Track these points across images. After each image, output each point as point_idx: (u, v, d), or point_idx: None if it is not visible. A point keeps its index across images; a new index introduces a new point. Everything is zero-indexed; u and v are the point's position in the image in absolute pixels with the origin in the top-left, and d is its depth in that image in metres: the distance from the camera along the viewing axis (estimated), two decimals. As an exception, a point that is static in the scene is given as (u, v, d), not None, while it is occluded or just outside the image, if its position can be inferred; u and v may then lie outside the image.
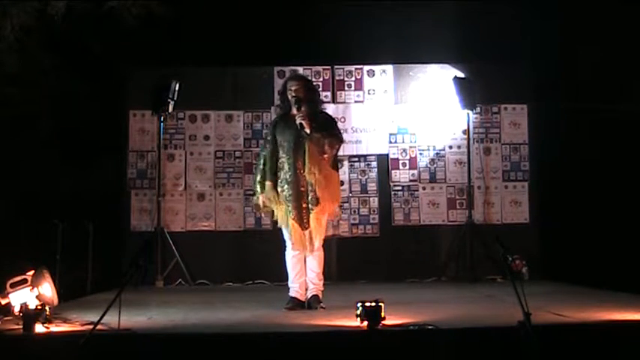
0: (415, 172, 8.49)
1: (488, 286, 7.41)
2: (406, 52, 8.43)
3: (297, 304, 5.61)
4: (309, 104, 5.68)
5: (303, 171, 5.58)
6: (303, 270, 5.68)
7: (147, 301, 6.25)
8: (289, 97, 5.70)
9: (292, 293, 5.68)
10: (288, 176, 5.61)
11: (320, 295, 5.66)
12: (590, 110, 7.56)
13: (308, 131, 5.55)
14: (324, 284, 5.74)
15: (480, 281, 7.79)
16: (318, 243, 5.64)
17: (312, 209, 5.59)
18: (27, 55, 7.34)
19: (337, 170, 5.85)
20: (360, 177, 8.48)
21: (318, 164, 5.58)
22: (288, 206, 5.62)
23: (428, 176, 8.50)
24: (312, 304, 5.61)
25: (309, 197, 5.59)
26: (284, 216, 5.65)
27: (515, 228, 8.31)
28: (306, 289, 5.68)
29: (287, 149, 5.62)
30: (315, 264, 5.66)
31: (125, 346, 4.23)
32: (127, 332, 4.35)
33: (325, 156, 5.62)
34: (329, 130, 5.66)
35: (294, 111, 5.64)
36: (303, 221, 5.59)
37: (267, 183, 5.70)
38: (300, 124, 5.56)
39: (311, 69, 8.51)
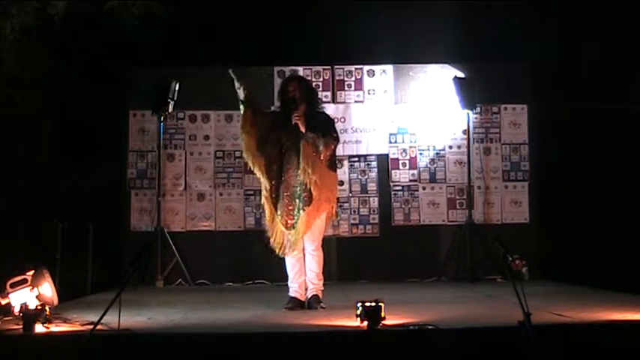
0: (415, 172, 8.49)
1: (488, 286, 7.40)
2: (406, 52, 8.43)
3: (297, 304, 5.62)
4: (307, 104, 5.68)
5: (296, 170, 5.57)
6: (303, 270, 5.68)
7: (147, 301, 6.25)
8: (286, 97, 5.69)
9: (292, 293, 5.68)
10: (283, 176, 5.60)
11: (320, 295, 5.67)
12: (591, 110, 7.56)
13: (303, 130, 5.55)
14: (324, 284, 5.75)
15: (480, 281, 7.79)
16: (315, 244, 5.64)
17: (303, 209, 5.55)
18: (27, 55, 7.33)
19: (335, 170, 5.81)
20: (360, 177, 8.48)
21: (312, 164, 5.54)
22: (277, 205, 5.61)
23: (428, 176, 8.50)
24: (312, 304, 5.61)
25: (301, 197, 5.56)
26: (270, 214, 5.64)
27: (515, 228, 8.31)
28: (306, 289, 5.68)
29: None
30: (314, 264, 5.66)
31: (125, 346, 4.23)
32: (127, 332, 4.35)
33: (320, 156, 5.57)
34: (325, 130, 5.62)
35: (289, 110, 5.64)
36: (288, 221, 5.57)
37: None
38: (296, 123, 5.56)
39: (311, 69, 8.51)
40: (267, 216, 5.72)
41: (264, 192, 5.69)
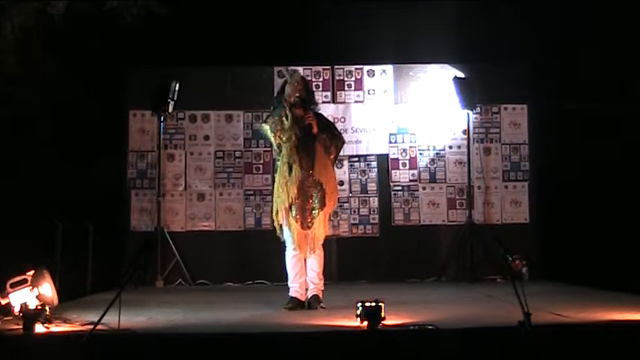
0: (415, 172, 8.49)
1: (488, 286, 7.41)
2: (406, 52, 8.43)
3: (297, 304, 5.62)
4: (309, 104, 5.72)
5: (310, 171, 5.59)
6: (303, 270, 5.69)
7: (147, 301, 6.25)
8: (292, 93, 5.67)
9: (292, 293, 5.69)
10: (292, 176, 5.60)
11: (320, 295, 5.68)
12: (591, 110, 7.55)
13: (315, 131, 5.58)
14: (324, 284, 5.76)
15: (480, 281, 7.79)
16: (319, 243, 5.67)
17: (319, 210, 5.61)
18: (27, 55, 7.33)
19: (334, 170, 5.91)
20: (360, 177, 8.48)
21: (325, 164, 5.64)
22: (292, 206, 5.61)
23: (428, 176, 8.50)
24: (312, 303, 5.62)
25: (317, 198, 5.61)
26: (286, 216, 5.64)
27: (515, 228, 8.31)
28: (307, 289, 5.69)
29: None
30: (315, 263, 5.68)
31: (125, 346, 4.23)
32: (126, 332, 4.35)
33: (331, 156, 5.70)
34: (331, 131, 5.73)
35: (297, 111, 5.65)
36: (305, 222, 5.60)
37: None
38: (310, 124, 5.58)
39: (311, 69, 8.51)
40: (284, 219, 5.66)
41: (283, 200, 5.63)
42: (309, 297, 5.66)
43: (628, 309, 5.04)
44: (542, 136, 8.41)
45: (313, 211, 5.61)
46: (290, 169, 5.61)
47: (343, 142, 5.86)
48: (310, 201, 5.61)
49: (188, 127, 8.47)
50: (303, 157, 5.59)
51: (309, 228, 5.60)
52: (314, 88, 8.28)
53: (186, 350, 4.22)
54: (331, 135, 5.69)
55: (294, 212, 5.60)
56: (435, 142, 8.53)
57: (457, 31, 8.04)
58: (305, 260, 5.71)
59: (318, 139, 5.61)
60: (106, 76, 8.00)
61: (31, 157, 7.36)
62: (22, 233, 6.81)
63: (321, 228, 5.63)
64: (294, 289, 5.69)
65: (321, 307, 5.57)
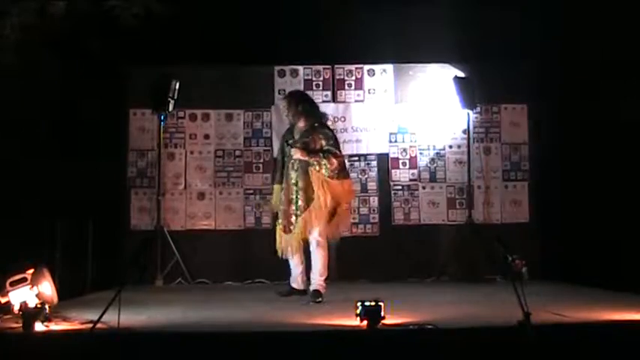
0: (415, 171, 8.49)
1: (488, 286, 7.41)
2: (406, 52, 8.42)
3: (289, 292, 6.16)
4: (304, 118, 6.16)
5: (293, 183, 6.09)
6: (301, 262, 6.23)
7: (146, 300, 6.26)
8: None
9: (291, 282, 6.27)
10: (284, 184, 6.18)
11: (320, 291, 6.05)
12: (591, 110, 7.54)
13: (305, 159, 6.03)
14: (324, 280, 6.12)
15: (480, 281, 7.79)
16: (317, 238, 6.08)
17: (300, 215, 6.03)
18: (27, 55, 7.32)
19: (347, 176, 6.32)
20: (360, 176, 8.47)
21: (315, 180, 6.01)
22: (280, 210, 6.21)
23: (428, 176, 8.50)
24: (310, 296, 6.03)
25: (297, 205, 6.05)
26: (277, 217, 6.29)
27: (515, 228, 8.31)
28: (308, 279, 6.23)
29: (285, 161, 6.23)
30: (316, 261, 6.11)
31: (125, 345, 4.23)
32: (126, 331, 4.35)
33: (320, 171, 6.01)
34: (324, 151, 6.05)
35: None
36: (287, 225, 6.10)
37: (275, 186, 6.38)
38: (300, 147, 6.08)
39: (311, 68, 8.51)
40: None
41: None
42: (311, 290, 6.09)
43: (628, 309, 5.04)
44: (542, 136, 8.40)
45: (295, 218, 6.06)
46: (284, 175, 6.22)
47: (338, 158, 6.10)
48: (292, 206, 6.07)
49: (188, 125, 8.47)
50: (287, 171, 6.17)
51: (290, 232, 6.08)
52: (314, 88, 8.36)
53: (186, 349, 4.22)
54: (323, 155, 6.02)
55: (280, 219, 6.19)
56: (435, 141, 8.53)
57: (457, 30, 8.02)
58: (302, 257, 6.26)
59: (311, 165, 6.03)
60: (106, 75, 7.99)
61: (30, 156, 7.35)
62: (22, 232, 6.81)
63: (299, 231, 6.04)
64: (292, 278, 6.30)
65: (316, 302, 5.90)
